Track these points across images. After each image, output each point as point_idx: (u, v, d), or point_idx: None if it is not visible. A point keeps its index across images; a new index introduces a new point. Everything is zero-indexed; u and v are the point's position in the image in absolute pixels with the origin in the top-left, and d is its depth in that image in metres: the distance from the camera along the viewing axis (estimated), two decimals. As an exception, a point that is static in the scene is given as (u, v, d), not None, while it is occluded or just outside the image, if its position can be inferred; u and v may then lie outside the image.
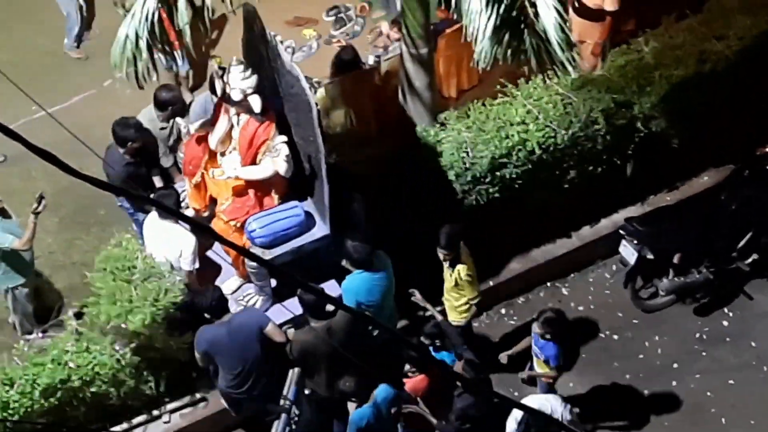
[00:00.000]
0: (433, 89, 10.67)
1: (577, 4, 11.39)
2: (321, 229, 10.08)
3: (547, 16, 8.02)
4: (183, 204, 10.57)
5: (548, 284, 11.54)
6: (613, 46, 11.56)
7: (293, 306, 9.52)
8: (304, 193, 10.22)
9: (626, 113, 10.97)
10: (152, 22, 8.66)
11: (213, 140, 9.94)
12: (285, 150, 9.65)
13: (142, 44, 8.71)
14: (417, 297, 9.99)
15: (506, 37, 8.14)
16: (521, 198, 10.83)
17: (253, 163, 9.76)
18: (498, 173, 10.52)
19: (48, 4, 13.81)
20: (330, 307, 9.34)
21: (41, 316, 10.92)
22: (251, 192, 9.92)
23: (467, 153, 10.38)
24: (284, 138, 9.71)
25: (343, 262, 9.75)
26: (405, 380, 9.58)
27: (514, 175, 10.58)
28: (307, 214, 10.03)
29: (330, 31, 13.53)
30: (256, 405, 9.76)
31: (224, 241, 4.76)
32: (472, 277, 9.89)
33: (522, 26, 8.11)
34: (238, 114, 9.65)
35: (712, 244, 10.97)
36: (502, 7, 7.97)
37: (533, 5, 8.01)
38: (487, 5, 7.97)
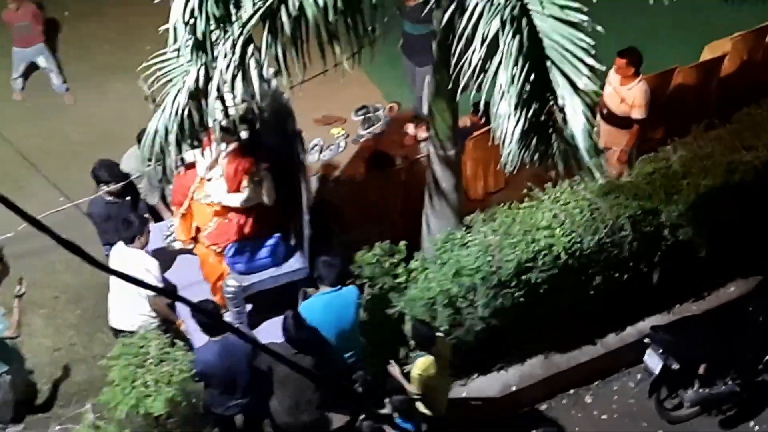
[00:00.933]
0: (459, 191, 10.71)
1: (605, 111, 11.48)
2: (298, 261, 10.53)
3: (576, 122, 8.04)
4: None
5: (571, 391, 11.44)
6: (640, 154, 11.62)
7: (266, 332, 10.01)
8: (285, 224, 10.58)
9: (653, 221, 10.96)
10: (182, 117, 8.75)
11: (201, 167, 10.35)
12: (268, 178, 10.05)
13: (171, 138, 8.79)
14: (393, 369, 9.98)
15: (534, 141, 8.16)
16: (546, 302, 10.78)
17: (238, 190, 10.15)
18: (523, 277, 10.49)
19: (79, 94, 14.02)
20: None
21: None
22: (234, 219, 10.33)
23: (493, 256, 10.38)
24: (267, 166, 10.12)
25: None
26: None
27: (539, 280, 10.55)
28: (286, 245, 10.43)
29: (358, 131, 13.65)
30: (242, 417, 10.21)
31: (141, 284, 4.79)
32: (423, 377, 9.71)
33: (550, 131, 8.14)
34: (226, 142, 9.92)
35: (739, 355, 10.88)
36: (531, 111, 8.01)
37: (562, 110, 8.03)
38: (515, 109, 8.00)
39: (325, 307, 9.83)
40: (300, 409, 9.76)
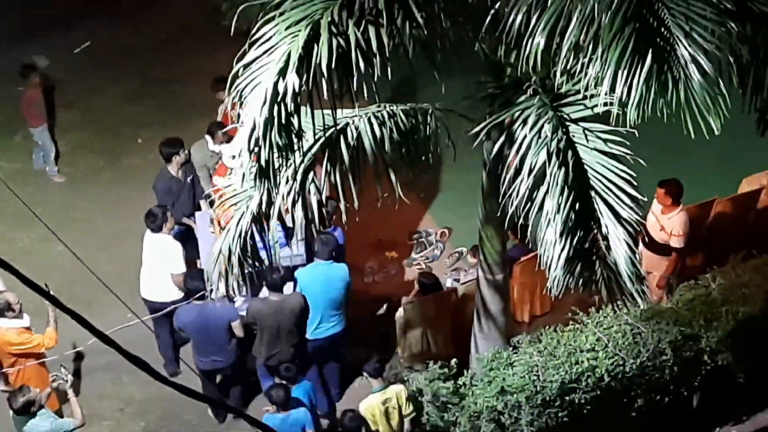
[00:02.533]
0: (506, 314, 10.67)
1: (647, 239, 11.42)
2: (298, 249, 11.34)
3: (618, 249, 8.02)
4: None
5: None
6: (681, 281, 11.54)
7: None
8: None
9: (693, 346, 10.83)
10: (245, 239, 8.80)
11: (227, 158, 11.84)
12: None
13: (234, 260, 8.84)
14: None
15: (578, 267, 8.14)
16: (589, 423, 10.62)
17: None
18: (567, 398, 10.36)
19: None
20: (288, 287, 11.21)
21: None
22: None
23: (538, 376, 10.27)
24: None
25: None
26: None
27: (582, 401, 10.41)
28: (288, 232, 10.64)
29: (411, 254, 13.65)
30: (222, 374, 11.48)
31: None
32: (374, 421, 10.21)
33: (594, 258, 8.12)
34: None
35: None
36: (575, 239, 8.00)
37: (605, 238, 8.03)
38: (560, 237, 8.00)
39: (316, 274, 11.05)
40: (280, 339, 10.94)
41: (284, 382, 10.35)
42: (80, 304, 4.27)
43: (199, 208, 12.74)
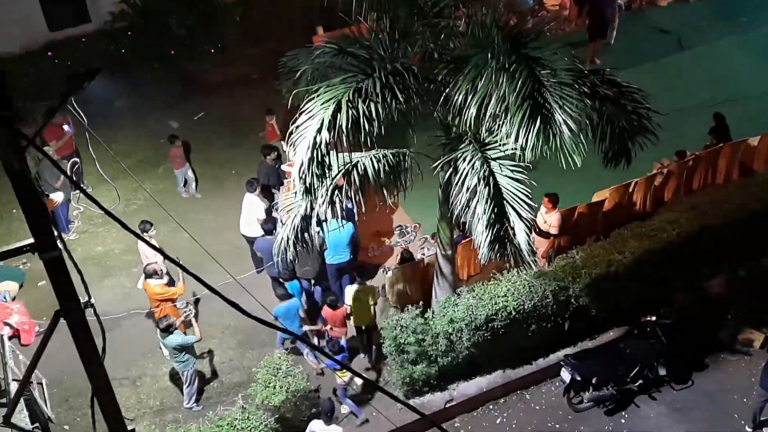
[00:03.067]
0: (453, 274, 10.64)
1: (537, 229, 11.44)
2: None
3: (521, 235, 8.04)
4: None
5: (518, 392, 11.13)
6: (557, 254, 11.54)
7: None
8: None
9: (565, 293, 10.83)
10: (297, 231, 8.80)
11: (291, 155, 12.04)
12: None
13: (290, 242, 8.83)
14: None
15: (496, 246, 8.15)
16: (503, 341, 10.60)
17: None
18: (490, 325, 10.35)
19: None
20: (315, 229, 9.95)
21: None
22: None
23: (472, 312, 10.25)
24: None
25: None
26: (327, 309, 10.63)
27: (499, 326, 10.40)
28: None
29: (396, 239, 13.63)
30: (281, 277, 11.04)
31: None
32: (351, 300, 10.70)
33: (506, 241, 8.14)
34: None
35: (615, 373, 10.61)
36: (495, 229, 8.02)
37: (512, 229, 8.05)
38: (486, 228, 8.02)
39: (332, 232, 10.04)
40: (305, 262, 11.16)
41: (282, 280, 10.78)
42: (197, 270, 4.26)
43: (282, 184, 13.11)
